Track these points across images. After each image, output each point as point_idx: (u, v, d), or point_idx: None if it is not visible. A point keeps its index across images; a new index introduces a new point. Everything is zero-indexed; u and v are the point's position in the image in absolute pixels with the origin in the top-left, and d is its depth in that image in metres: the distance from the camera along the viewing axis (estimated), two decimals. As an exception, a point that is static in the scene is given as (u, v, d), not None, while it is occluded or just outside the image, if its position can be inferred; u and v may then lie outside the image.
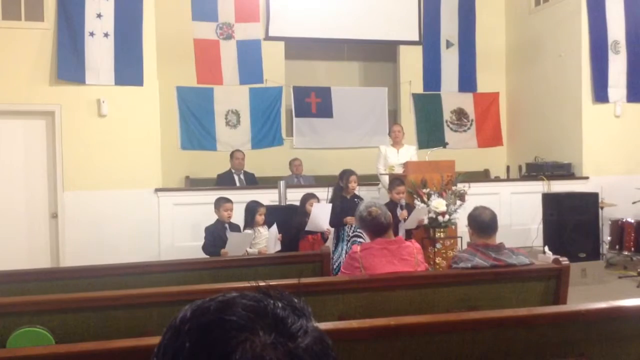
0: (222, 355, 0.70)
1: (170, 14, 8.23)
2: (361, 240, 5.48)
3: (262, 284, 0.83)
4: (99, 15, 6.78)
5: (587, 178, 8.03)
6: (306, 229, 5.69)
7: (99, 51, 6.77)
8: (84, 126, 6.79)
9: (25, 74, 6.65)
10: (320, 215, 5.66)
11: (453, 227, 6.15)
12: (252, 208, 5.55)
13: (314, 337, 0.74)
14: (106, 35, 6.80)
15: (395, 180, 6.10)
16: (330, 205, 5.93)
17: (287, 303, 0.77)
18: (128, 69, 6.87)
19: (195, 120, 8.66)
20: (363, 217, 3.61)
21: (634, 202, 7.50)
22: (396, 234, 4.48)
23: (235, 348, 0.69)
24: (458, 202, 6.12)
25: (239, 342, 0.70)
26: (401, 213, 5.75)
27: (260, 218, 5.48)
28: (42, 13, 6.73)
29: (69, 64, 6.68)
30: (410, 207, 6.00)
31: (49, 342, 2.67)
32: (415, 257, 3.53)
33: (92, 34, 6.75)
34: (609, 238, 7.28)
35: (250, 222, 5.52)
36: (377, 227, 3.57)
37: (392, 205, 5.68)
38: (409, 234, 5.72)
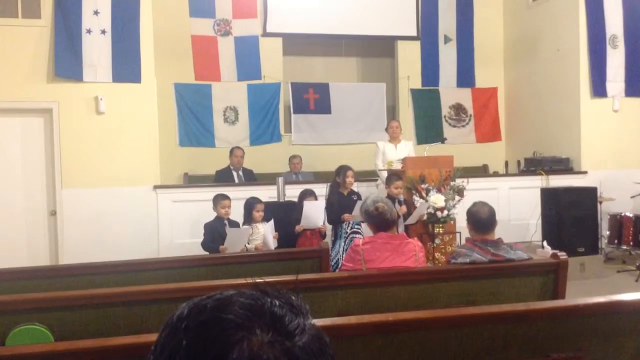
0: (219, 353, 0.69)
1: (167, 11, 8.21)
2: (359, 236, 5.48)
3: (259, 281, 0.83)
4: (96, 12, 6.75)
5: (585, 173, 8.02)
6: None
7: (96, 48, 6.75)
8: (81, 123, 6.78)
9: (22, 71, 6.64)
10: (312, 213, 5.68)
11: (452, 222, 6.16)
12: (249, 205, 5.56)
13: (312, 335, 0.74)
14: (103, 32, 6.77)
15: (393, 175, 6.10)
16: (323, 202, 5.94)
17: (284, 301, 0.76)
18: (125, 66, 6.85)
19: (194, 116, 8.65)
20: (369, 212, 3.61)
21: (632, 196, 7.50)
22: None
23: (232, 347, 0.69)
24: (457, 198, 6.13)
25: (236, 340, 0.70)
26: (400, 208, 5.74)
27: (257, 215, 5.48)
28: (39, 10, 6.70)
29: (67, 61, 6.66)
30: (408, 203, 6.00)
31: (48, 340, 2.68)
32: (416, 255, 3.53)
33: (89, 31, 6.73)
34: (607, 232, 7.29)
35: (248, 218, 5.53)
36: (382, 222, 3.58)
37: (390, 200, 5.67)
38: (406, 229, 5.72)
